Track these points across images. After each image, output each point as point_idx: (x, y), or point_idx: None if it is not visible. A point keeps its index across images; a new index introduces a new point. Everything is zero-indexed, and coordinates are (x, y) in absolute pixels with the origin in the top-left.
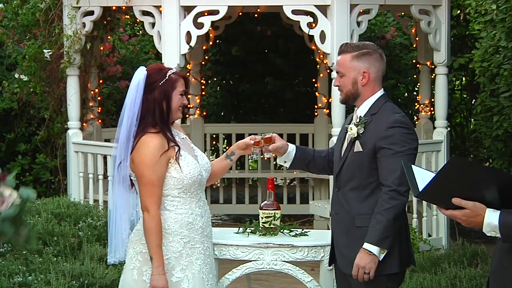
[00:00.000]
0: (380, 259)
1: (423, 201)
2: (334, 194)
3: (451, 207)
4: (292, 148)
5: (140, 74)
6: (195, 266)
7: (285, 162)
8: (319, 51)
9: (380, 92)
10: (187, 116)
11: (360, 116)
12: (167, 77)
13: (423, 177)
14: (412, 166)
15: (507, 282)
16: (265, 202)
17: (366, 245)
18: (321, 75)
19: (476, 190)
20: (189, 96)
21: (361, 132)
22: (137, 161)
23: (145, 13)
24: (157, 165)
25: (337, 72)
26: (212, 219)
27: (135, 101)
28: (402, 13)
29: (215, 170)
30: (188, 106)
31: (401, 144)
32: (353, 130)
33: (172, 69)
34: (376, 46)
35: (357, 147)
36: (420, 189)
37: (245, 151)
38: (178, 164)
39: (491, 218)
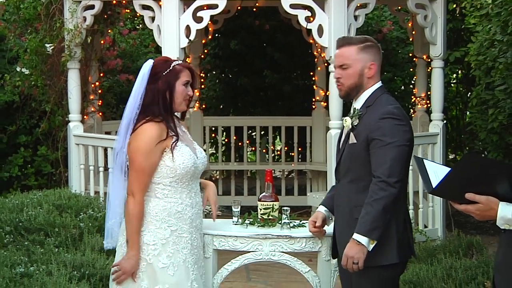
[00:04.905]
0: (370, 250)
1: (419, 193)
2: (337, 186)
3: (464, 202)
4: (324, 211)
5: (147, 65)
6: (180, 254)
7: (331, 219)
8: (316, 45)
9: (377, 85)
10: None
11: (355, 108)
12: (171, 68)
13: (435, 171)
14: (424, 160)
15: None
16: (264, 193)
17: (355, 236)
18: (318, 68)
19: (488, 184)
20: (196, 90)
21: (355, 124)
22: (132, 146)
23: (145, 7)
24: (151, 153)
25: (340, 66)
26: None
27: (139, 91)
28: (399, 7)
29: None
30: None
31: (391, 135)
32: (347, 122)
33: (177, 60)
34: (374, 39)
35: (352, 139)
36: (434, 186)
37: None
38: (172, 153)
39: (505, 212)
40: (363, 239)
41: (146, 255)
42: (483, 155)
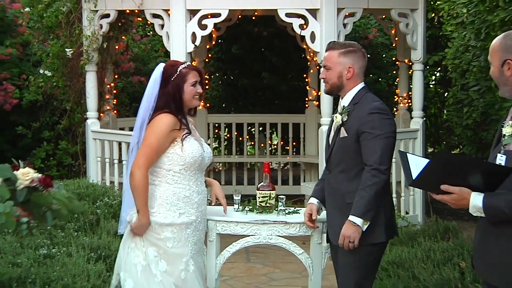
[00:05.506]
0: (364, 230)
1: (401, 183)
2: (327, 177)
3: (441, 192)
4: (316, 203)
5: (158, 70)
6: (183, 233)
7: (322, 209)
8: (309, 49)
9: (361, 85)
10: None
11: (344, 106)
12: (178, 72)
13: (417, 164)
14: (408, 154)
15: (489, 263)
16: (262, 183)
17: (351, 217)
18: (311, 71)
19: (461, 177)
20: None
21: (345, 120)
22: (149, 129)
23: (155, 15)
24: (164, 137)
25: (324, 66)
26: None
27: (152, 94)
28: (383, 16)
29: None
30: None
31: (379, 128)
32: (338, 118)
33: (184, 63)
34: (360, 45)
35: (342, 133)
36: (413, 179)
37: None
38: (182, 144)
39: (476, 201)
40: (358, 220)
41: (152, 230)
42: (452, 152)
